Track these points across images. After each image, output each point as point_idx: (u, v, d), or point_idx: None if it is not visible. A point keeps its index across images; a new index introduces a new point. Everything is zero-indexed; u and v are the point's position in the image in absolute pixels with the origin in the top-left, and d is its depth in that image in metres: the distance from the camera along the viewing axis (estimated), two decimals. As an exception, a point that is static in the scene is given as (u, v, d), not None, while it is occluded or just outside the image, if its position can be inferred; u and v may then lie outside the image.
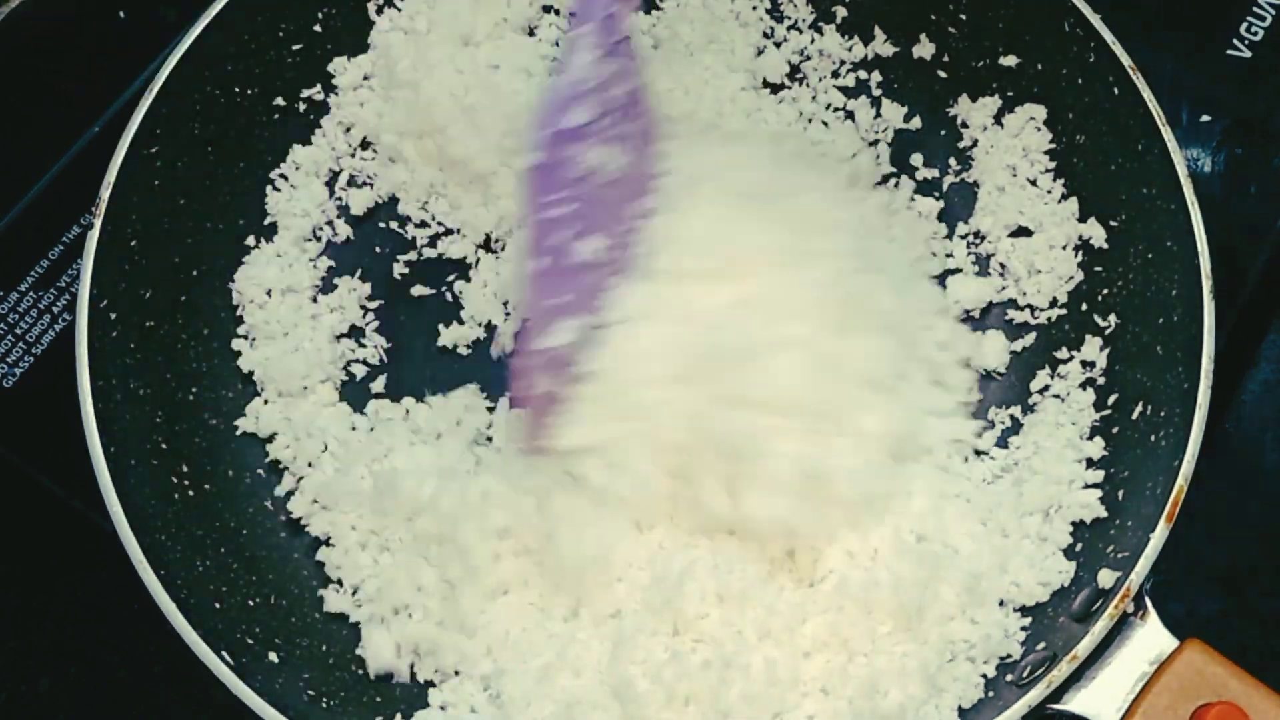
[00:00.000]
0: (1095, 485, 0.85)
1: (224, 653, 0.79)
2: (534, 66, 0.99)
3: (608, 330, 0.81)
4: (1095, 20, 0.90)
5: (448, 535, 0.84)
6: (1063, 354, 0.91)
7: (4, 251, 0.99)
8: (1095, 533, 0.84)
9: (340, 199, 0.98)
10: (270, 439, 0.91)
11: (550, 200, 0.79)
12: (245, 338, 0.93)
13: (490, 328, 0.94)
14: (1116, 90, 0.89)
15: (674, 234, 0.83)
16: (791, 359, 0.82)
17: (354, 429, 0.91)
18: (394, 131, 0.96)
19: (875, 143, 0.98)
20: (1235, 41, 1.06)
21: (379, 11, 0.99)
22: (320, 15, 0.97)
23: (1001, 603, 0.83)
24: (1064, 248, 0.93)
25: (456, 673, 0.83)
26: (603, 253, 0.81)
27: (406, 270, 0.97)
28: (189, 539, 0.85)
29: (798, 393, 0.82)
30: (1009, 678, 0.80)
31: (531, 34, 1.01)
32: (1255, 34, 1.06)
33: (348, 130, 0.99)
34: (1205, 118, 1.04)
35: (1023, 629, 0.82)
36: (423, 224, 0.97)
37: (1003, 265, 0.94)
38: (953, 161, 0.98)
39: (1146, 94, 0.87)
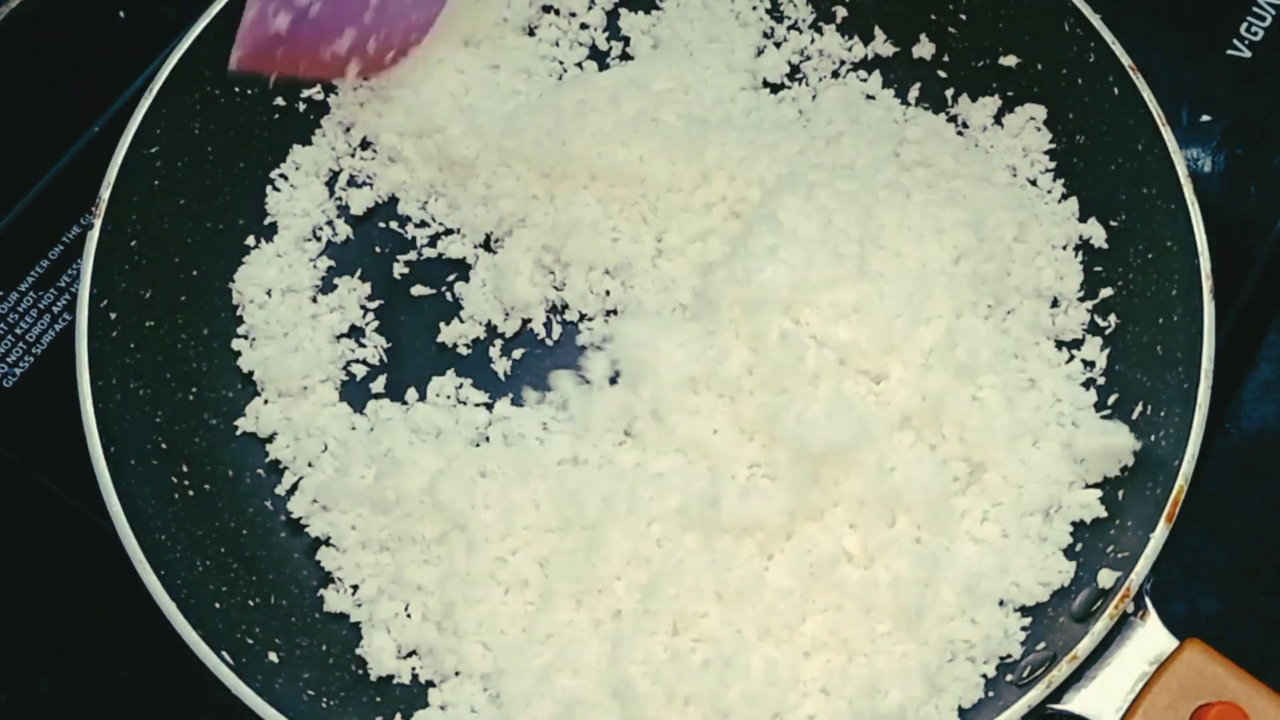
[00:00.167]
0: (1095, 485, 0.85)
1: (224, 653, 0.79)
2: (534, 66, 0.99)
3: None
4: (1095, 20, 0.90)
5: (447, 535, 0.84)
6: (1063, 354, 0.91)
7: (4, 251, 0.99)
8: (1095, 533, 0.84)
9: (340, 199, 0.98)
10: (270, 439, 0.91)
11: None
12: (245, 338, 0.93)
13: (490, 327, 0.94)
14: (1116, 90, 0.89)
15: None
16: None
17: (354, 429, 0.91)
18: (394, 131, 0.96)
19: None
20: (1235, 41, 1.06)
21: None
22: (320, 15, 0.97)
23: (1001, 603, 0.83)
24: (1064, 248, 0.93)
25: (456, 673, 0.83)
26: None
27: (406, 270, 0.97)
28: (189, 539, 0.85)
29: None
30: (1009, 678, 0.80)
31: (531, 34, 1.01)
32: (1255, 34, 1.06)
33: (348, 130, 0.98)
34: (1205, 118, 1.04)
35: (1023, 629, 0.82)
36: (423, 224, 0.97)
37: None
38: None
39: (1146, 94, 0.88)
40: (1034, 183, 0.95)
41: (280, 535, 0.89)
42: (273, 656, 0.82)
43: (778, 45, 1.01)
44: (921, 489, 0.82)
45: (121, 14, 1.05)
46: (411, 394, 0.92)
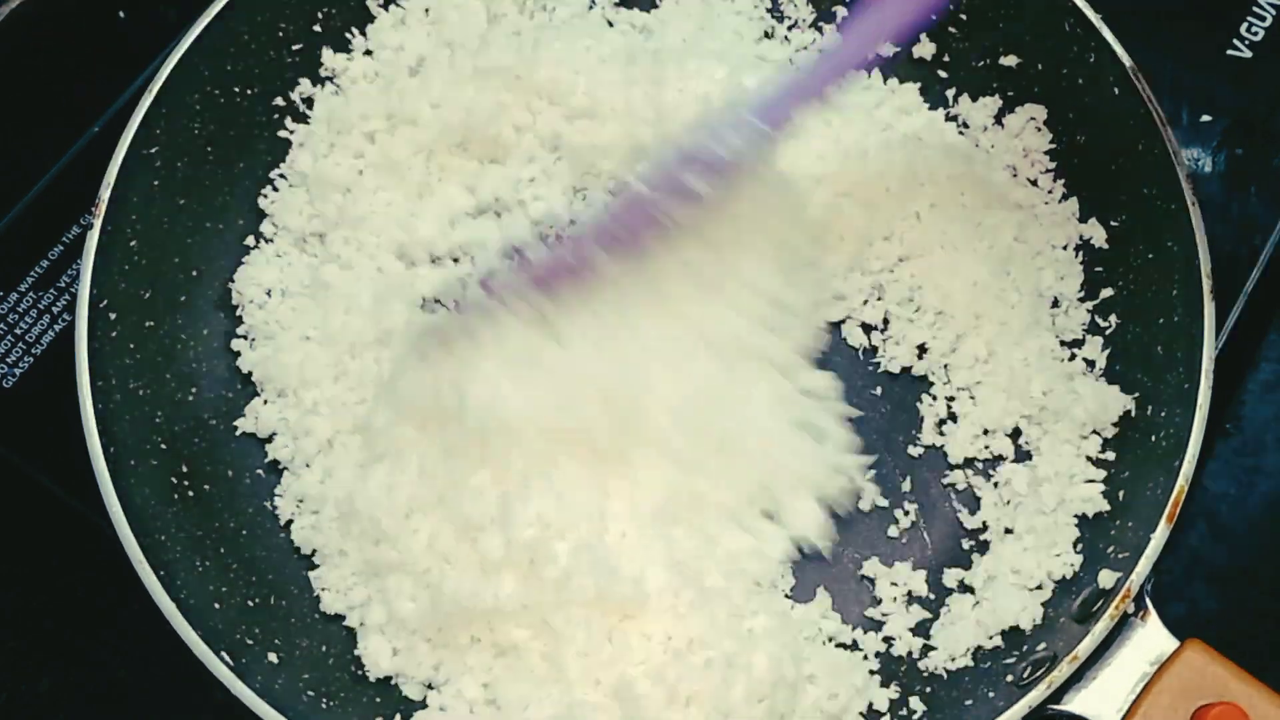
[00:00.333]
0: (1094, 482, 0.86)
1: (224, 653, 0.79)
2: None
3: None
4: (1095, 20, 0.90)
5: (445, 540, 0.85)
6: (1063, 354, 0.91)
7: (4, 251, 0.99)
8: (1096, 532, 0.84)
9: (340, 199, 0.98)
10: (270, 439, 0.91)
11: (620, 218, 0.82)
12: (245, 338, 0.93)
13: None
14: (1116, 90, 0.89)
15: None
16: None
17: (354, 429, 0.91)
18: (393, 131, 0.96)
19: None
20: (1235, 41, 1.06)
21: (384, 7, 0.99)
22: (320, 15, 0.97)
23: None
24: (1064, 248, 0.93)
25: (456, 675, 0.83)
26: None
27: (406, 270, 0.96)
28: (189, 539, 0.84)
29: None
30: (1009, 678, 0.80)
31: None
32: (1255, 34, 1.06)
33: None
34: (1205, 118, 1.04)
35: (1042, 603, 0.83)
36: (423, 224, 0.97)
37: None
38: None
39: (1146, 94, 0.87)
40: (1034, 183, 0.95)
41: (280, 535, 0.89)
42: (272, 657, 0.82)
43: (778, 45, 1.01)
44: None
45: (121, 14, 1.05)
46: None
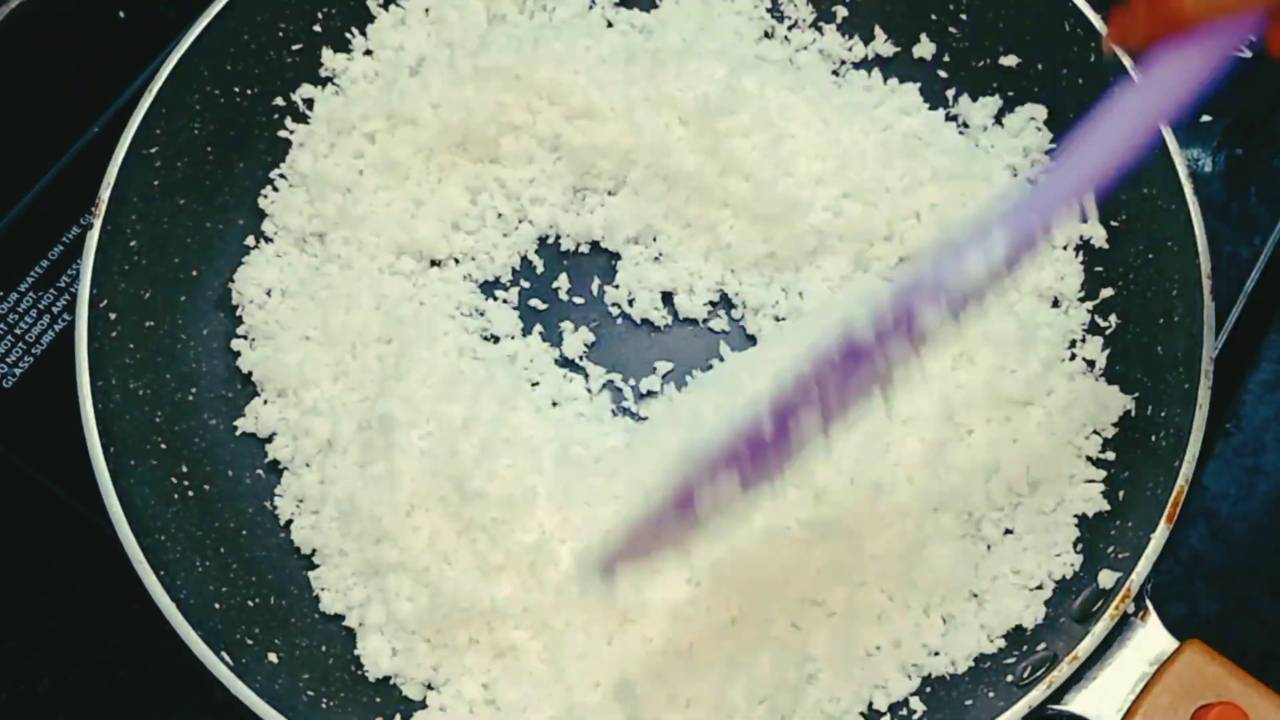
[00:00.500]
0: (1094, 482, 0.86)
1: (224, 653, 0.79)
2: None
3: None
4: (1095, 20, 0.90)
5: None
6: (1063, 354, 0.91)
7: (4, 251, 0.99)
8: (1096, 532, 0.84)
9: (340, 199, 0.98)
10: (270, 439, 0.91)
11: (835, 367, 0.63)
12: (245, 338, 0.93)
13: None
14: (1117, 90, 0.89)
15: None
16: None
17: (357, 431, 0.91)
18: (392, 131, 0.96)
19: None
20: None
21: (384, 7, 0.99)
22: (320, 15, 0.97)
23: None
24: (1064, 248, 0.93)
25: (456, 675, 0.83)
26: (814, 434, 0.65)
27: (406, 270, 0.97)
28: (189, 539, 0.84)
29: None
30: (1009, 678, 0.80)
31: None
32: (1255, 34, 1.06)
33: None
34: (1205, 118, 1.04)
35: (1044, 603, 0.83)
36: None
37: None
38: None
39: (1147, 94, 0.87)
40: (1034, 183, 0.95)
41: (280, 536, 0.89)
42: (272, 657, 0.82)
43: (778, 45, 1.01)
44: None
45: (121, 14, 1.05)
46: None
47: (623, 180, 0.94)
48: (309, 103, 0.97)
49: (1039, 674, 0.77)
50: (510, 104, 0.93)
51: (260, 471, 0.91)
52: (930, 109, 0.97)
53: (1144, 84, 0.61)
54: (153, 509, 0.83)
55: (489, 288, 0.95)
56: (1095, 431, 0.87)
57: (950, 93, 0.99)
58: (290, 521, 0.89)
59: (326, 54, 0.98)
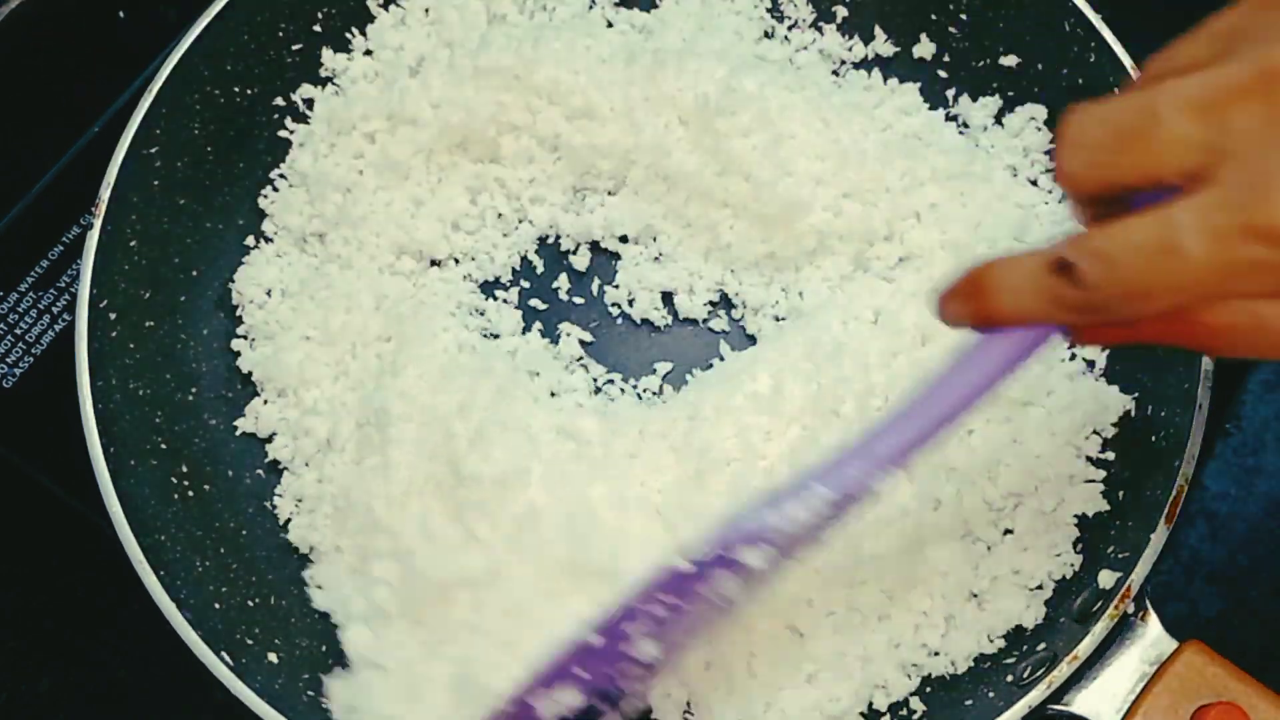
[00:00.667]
0: (1094, 482, 0.86)
1: (224, 653, 0.79)
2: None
3: None
4: (1095, 20, 0.90)
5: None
6: (1063, 354, 0.91)
7: (4, 251, 0.99)
8: (1096, 533, 0.84)
9: (340, 198, 0.98)
10: (270, 439, 0.91)
11: (662, 599, 0.67)
12: (245, 338, 0.93)
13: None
14: (1117, 90, 0.89)
15: None
16: None
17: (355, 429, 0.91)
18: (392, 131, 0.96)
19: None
20: (1235, 41, 1.06)
21: (384, 7, 0.99)
22: (320, 15, 0.97)
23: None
24: (1064, 248, 0.93)
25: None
26: (654, 661, 0.70)
27: (407, 270, 0.97)
28: (189, 539, 0.85)
29: None
30: (1009, 678, 0.80)
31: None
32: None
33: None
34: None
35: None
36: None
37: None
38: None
39: (1147, 94, 0.87)
40: (1034, 183, 0.95)
41: (280, 536, 0.89)
42: (272, 657, 0.82)
43: (778, 45, 1.01)
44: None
45: (121, 14, 1.05)
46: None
47: (623, 180, 0.94)
48: (309, 103, 0.97)
49: (1039, 674, 0.77)
50: (510, 104, 0.93)
51: (260, 471, 0.91)
52: (930, 109, 0.97)
53: (981, 348, 0.61)
54: (153, 509, 0.84)
55: (489, 288, 0.95)
56: (1095, 431, 0.87)
57: (950, 93, 0.99)
58: (289, 521, 0.89)
59: (326, 54, 0.98)
